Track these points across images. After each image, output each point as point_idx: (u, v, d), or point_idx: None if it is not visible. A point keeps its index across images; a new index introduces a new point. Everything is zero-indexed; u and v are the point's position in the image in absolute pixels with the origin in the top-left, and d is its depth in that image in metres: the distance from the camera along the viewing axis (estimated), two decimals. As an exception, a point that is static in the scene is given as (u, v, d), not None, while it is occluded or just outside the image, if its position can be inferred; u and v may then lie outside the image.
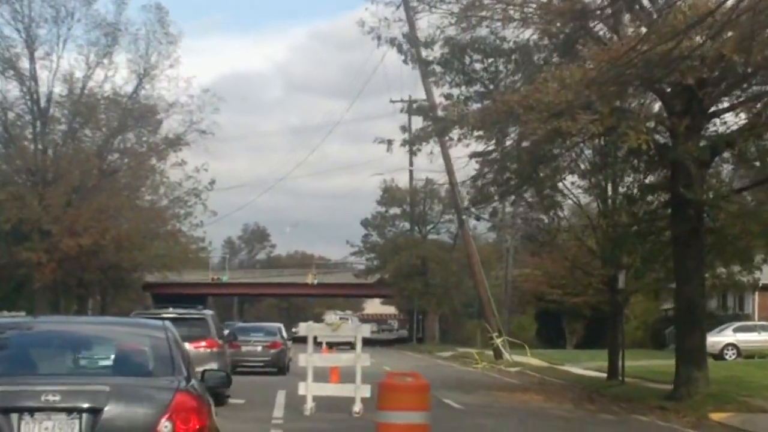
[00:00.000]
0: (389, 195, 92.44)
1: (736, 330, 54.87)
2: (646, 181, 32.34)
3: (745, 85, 27.63)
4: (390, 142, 34.48)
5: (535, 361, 54.42)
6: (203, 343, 27.41)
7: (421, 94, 53.47)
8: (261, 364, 41.93)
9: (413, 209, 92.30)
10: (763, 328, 54.99)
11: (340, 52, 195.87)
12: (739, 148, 28.85)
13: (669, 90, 27.61)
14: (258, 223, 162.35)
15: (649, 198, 32.41)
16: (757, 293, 62.33)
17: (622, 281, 36.27)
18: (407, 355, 72.01)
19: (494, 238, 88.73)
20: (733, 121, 29.42)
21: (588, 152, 34.28)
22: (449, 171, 60.37)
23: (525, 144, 29.96)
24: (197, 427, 9.55)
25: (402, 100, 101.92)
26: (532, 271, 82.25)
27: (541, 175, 32.08)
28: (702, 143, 28.15)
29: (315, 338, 24.70)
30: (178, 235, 71.49)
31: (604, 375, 40.30)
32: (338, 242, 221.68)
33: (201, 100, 62.79)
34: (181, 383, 9.97)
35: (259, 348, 42.57)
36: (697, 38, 24.82)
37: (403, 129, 57.32)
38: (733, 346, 53.62)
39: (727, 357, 52.61)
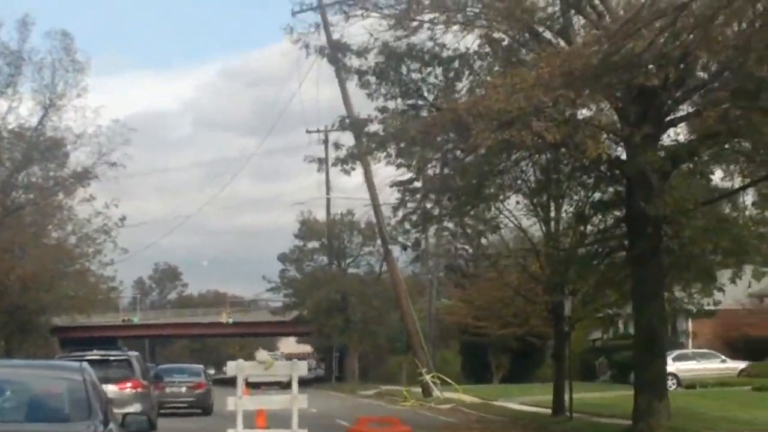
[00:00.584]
0: (307, 228, 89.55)
1: (676, 359, 52.95)
2: (596, 197, 30.09)
3: (703, 91, 25.51)
4: (321, 161, 31.74)
5: (467, 397, 51.92)
6: (128, 384, 27.30)
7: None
8: (185, 405, 41.63)
9: (331, 242, 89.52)
10: (703, 356, 53.20)
11: (250, 89, 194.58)
12: (698, 158, 26.76)
13: (624, 96, 25.39)
14: (169, 262, 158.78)
15: (600, 216, 30.18)
16: (690, 320, 60.56)
17: (568, 308, 34.02)
18: (329, 395, 69.03)
19: (416, 270, 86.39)
20: (687, 131, 27.44)
21: (533, 169, 31.99)
22: (373, 198, 57.99)
23: (470, 159, 27.62)
24: None
25: (318, 131, 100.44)
26: (456, 303, 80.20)
27: (487, 192, 29.65)
28: (661, 153, 25.98)
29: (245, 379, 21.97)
30: (87, 274, 68.45)
31: (546, 410, 37.96)
32: (252, 280, 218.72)
33: (111, 131, 59.60)
34: (98, 428, 9.63)
35: (184, 389, 42.35)
36: (659, 38, 22.75)
37: (320, 160, 55.21)
38: (673, 375, 51.62)
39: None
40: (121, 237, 63.55)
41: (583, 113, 25.34)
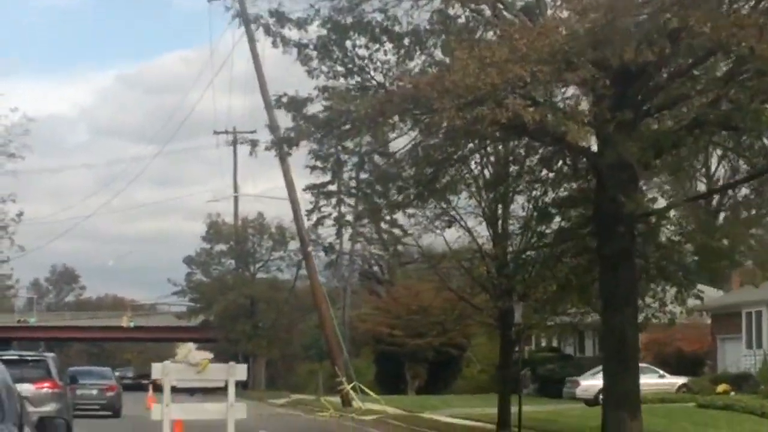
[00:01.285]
0: (215, 230, 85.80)
1: (612, 372, 50.40)
2: (560, 194, 27.21)
3: (694, 72, 22.79)
4: (254, 144, 28.43)
5: (390, 409, 48.79)
6: (45, 384, 27.39)
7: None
8: (97, 407, 41.85)
9: (240, 245, 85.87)
10: (642, 371, 50.55)
11: (147, 96, 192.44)
12: (680, 150, 24.03)
13: (604, 76, 22.51)
14: (66, 264, 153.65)
15: (563, 215, 27.30)
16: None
17: (518, 315, 31.12)
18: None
19: (327, 278, 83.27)
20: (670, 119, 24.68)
21: (486, 162, 29.00)
22: (293, 199, 54.77)
23: (424, 144, 24.57)
24: None
25: (227, 132, 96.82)
26: (371, 311, 77.25)
27: (443, 182, 26.54)
28: (639, 144, 23.16)
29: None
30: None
31: (486, 424, 35.05)
32: (152, 287, 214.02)
33: (9, 120, 55.44)
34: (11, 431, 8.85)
35: (95, 391, 42.86)
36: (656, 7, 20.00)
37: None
38: (609, 390, 49.24)
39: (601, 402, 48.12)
40: (17, 236, 59.55)
41: (563, 93, 22.44)
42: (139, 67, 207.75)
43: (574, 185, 26.52)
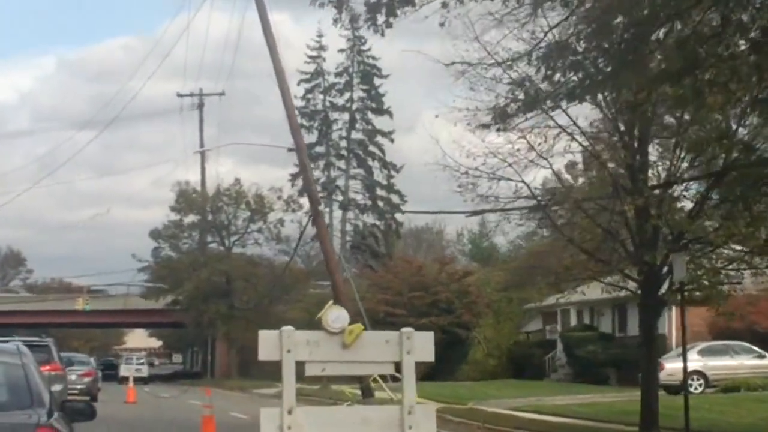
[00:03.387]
0: (185, 199, 76.13)
1: (703, 353, 41.76)
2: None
3: None
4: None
5: (424, 400, 39.87)
6: (48, 367, 28.37)
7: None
8: (75, 392, 41.50)
9: (213, 216, 76.38)
10: (738, 350, 42.06)
11: (90, 83, 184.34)
12: None
13: None
14: (11, 246, 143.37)
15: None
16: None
17: (680, 269, 22.15)
18: (224, 395, 56.34)
19: (316, 249, 74.06)
20: None
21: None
22: (299, 145, 45.20)
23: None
24: None
25: (192, 94, 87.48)
26: (367, 288, 68.22)
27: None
28: None
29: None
30: None
31: (616, 426, 25.97)
32: (99, 277, 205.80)
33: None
34: (42, 417, 8.67)
35: (74, 376, 42.83)
36: None
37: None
38: (701, 374, 40.58)
39: (692, 389, 39.54)
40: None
41: None
42: (80, 53, 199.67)
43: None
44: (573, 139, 23.34)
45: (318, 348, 9.75)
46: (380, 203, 74.99)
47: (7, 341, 24.52)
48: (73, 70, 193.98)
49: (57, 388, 27.29)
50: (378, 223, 73.52)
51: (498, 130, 20.70)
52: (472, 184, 23.85)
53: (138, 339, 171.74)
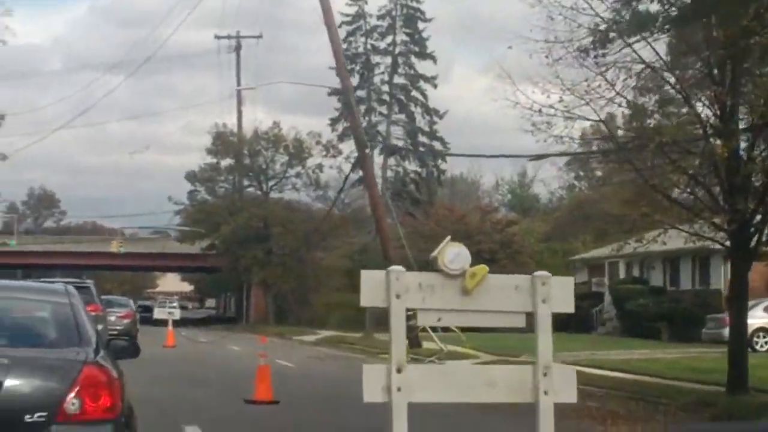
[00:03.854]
0: (222, 142, 74.44)
1: (769, 309, 40.07)
2: None
3: None
4: None
5: (483, 353, 38.42)
6: (89, 308, 26.72)
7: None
8: (115, 333, 41.32)
9: (252, 159, 74.71)
10: None
11: (122, 28, 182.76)
12: None
13: None
14: (45, 187, 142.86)
15: None
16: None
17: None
18: (256, 339, 54.88)
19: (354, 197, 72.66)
20: None
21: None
22: (341, 68, 43.30)
23: None
24: (109, 404, 8.52)
25: (229, 36, 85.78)
26: (410, 234, 66.46)
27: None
28: None
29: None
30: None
31: (699, 386, 24.18)
32: (135, 219, 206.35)
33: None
34: (89, 355, 8.83)
35: (113, 318, 43.29)
36: None
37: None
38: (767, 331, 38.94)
39: (757, 346, 37.85)
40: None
41: None
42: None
43: None
44: (662, 78, 21.48)
45: (433, 293, 8.08)
46: (422, 149, 73.18)
47: (52, 282, 22.89)
48: (106, 15, 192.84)
49: (98, 328, 29.21)
50: (419, 170, 71.60)
51: (595, 57, 18.90)
52: (546, 123, 22.10)
53: (170, 283, 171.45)
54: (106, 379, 8.57)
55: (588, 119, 22.39)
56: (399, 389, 7.79)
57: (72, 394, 8.34)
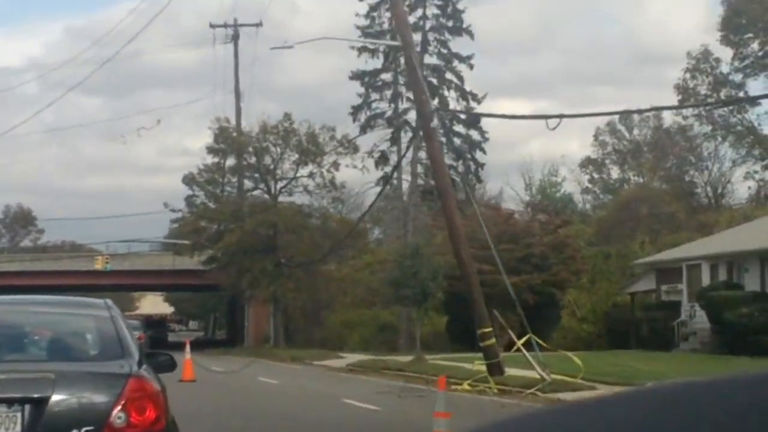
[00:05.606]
0: (225, 138, 65.42)
1: None
2: None
3: None
4: None
5: (599, 384, 29.99)
6: None
7: None
8: None
9: (258, 157, 65.80)
10: None
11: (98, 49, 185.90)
12: None
13: None
14: (22, 204, 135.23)
15: None
16: None
17: None
18: (287, 369, 46.10)
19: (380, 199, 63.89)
20: None
21: None
22: (402, 30, 34.92)
23: None
24: (154, 417, 8.47)
25: (226, 25, 77.81)
26: (443, 240, 57.94)
27: None
28: None
29: None
30: None
31: None
32: (126, 232, 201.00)
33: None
34: (134, 368, 8.81)
35: None
36: None
37: None
38: None
39: None
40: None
41: None
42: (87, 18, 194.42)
43: None
44: None
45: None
46: (456, 141, 64.53)
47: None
48: (80, 36, 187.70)
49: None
50: (454, 163, 62.81)
51: None
52: None
53: (150, 304, 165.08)
54: (152, 392, 8.50)
55: None
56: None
57: (118, 408, 8.30)
